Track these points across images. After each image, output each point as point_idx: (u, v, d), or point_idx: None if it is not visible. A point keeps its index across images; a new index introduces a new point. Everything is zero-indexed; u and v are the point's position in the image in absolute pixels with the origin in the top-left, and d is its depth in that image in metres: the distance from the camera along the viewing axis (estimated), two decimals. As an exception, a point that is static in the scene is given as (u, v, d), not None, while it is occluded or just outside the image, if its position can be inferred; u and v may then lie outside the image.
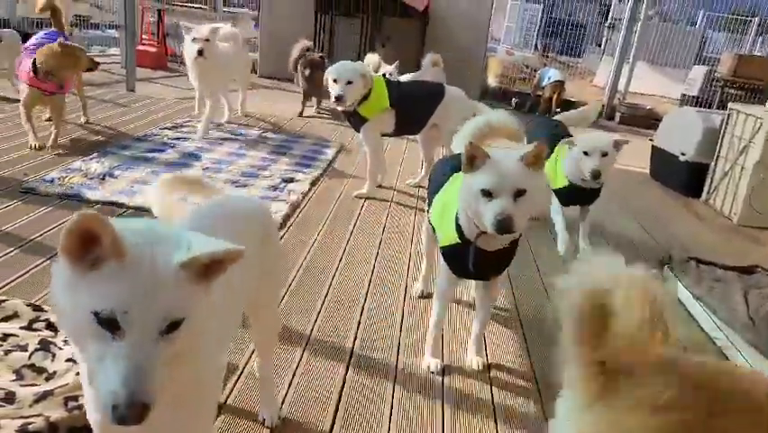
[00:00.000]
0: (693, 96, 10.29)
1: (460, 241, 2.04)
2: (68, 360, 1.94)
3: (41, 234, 2.86)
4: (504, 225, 1.81)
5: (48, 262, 2.61)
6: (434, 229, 2.36)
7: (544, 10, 16.57)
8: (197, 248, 0.97)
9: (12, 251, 2.67)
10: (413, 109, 3.96)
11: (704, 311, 2.95)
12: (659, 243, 3.92)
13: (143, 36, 8.63)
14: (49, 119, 4.71)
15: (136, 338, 0.92)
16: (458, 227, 2.05)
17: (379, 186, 4.23)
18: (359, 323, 2.51)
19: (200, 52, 4.54)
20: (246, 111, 5.93)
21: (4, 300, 2.22)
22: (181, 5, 13.00)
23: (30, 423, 1.64)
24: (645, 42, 11.10)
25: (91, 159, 3.96)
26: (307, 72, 6.12)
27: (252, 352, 2.16)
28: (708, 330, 2.85)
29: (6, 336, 2.03)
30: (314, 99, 6.57)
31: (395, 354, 2.33)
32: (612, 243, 3.77)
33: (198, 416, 1.23)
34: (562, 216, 3.55)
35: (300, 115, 6.35)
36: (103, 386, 0.91)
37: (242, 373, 2.07)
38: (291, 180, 4.09)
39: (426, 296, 2.77)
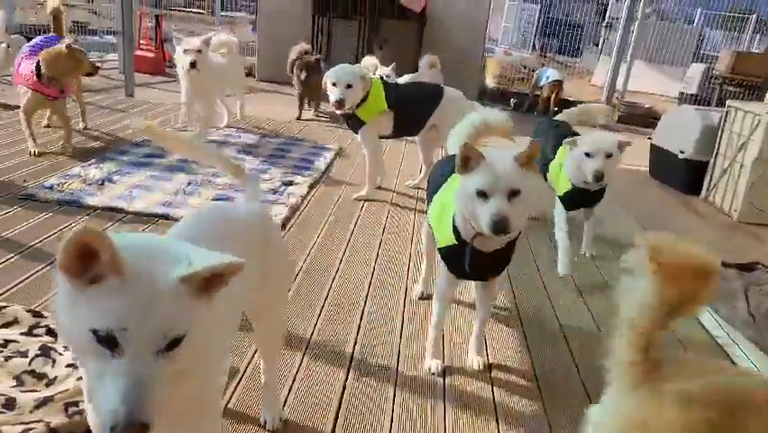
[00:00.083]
0: (692, 94, 10.30)
1: (457, 242, 2.05)
2: (69, 365, 1.94)
3: (41, 241, 2.86)
4: (500, 225, 1.81)
5: (47, 268, 2.61)
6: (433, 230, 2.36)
7: (541, 10, 16.60)
8: (197, 262, 0.96)
9: (12, 257, 2.67)
10: (411, 111, 3.96)
11: (705, 310, 2.95)
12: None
13: (141, 41, 8.63)
14: (47, 126, 4.73)
15: (135, 356, 0.90)
16: (455, 228, 2.05)
17: (379, 188, 4.23)
18: (359, 325, 2.51)
19: (193, 65, 4.45)
20: (245, 114, 5.93)
21: (4, 307, 2.22)
22: (179, 10, 13.04)
23: (30, 429, 1.64)
24: (643, 41, 11.12)
25: (90, 164, 3.96)
26: (303, 75, 6.12)
27: (254, 354, 2.16)
28: (708, 328, 2.85)
29: (7, 343, 2.03)
30: (311, 102, 6.57)
31: (396, 356, 2.33)
32: (612, 241, 3.77)
33: None
34: (565, 234, 3.31)
35: (298, 118, 6.36)
36: (102, 405, 0.90)
37: (243, 376, 2.07)
38: (290, 183, 4.09)
39: (427, 297, 2.77)
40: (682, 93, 10.62)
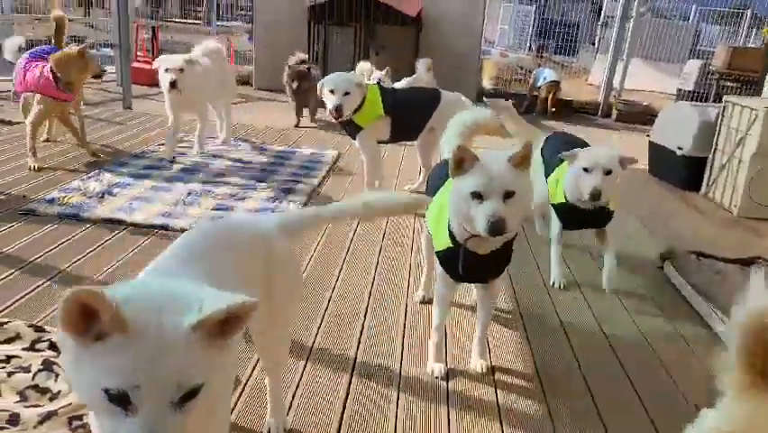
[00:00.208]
0: (689, 91, 10.31)
1: (453, 245, 2.05)
2: (72, 379, 1.94)
3: (42, 255, 2.86)
4: (497, 226, 1.81)
5: (49, 283, 2.62)
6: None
7: (536, 11, 16.63)
8: (209, 307, 0.91)
9: (13, 272, 2.68)
10: (408, 116, 3.97)
11: (706, 305, 2.94)
12: (659, 238, 3.91)
13: (138, 53, 8.67)
14: (47, 140, 4.74)
15: (150, 413, 0.86)
16: (450, 231, 2.05)
17: (378, 193, 4.24)
18: (361, 330, 2.51)
19: (173, 84, 4.21)
20: (230, 139, 5.26)
21: (5, 322, 2.23)
22: (175, 22, 13.08)
23: (34, 444, 1.64)
24: (639, 39, 11.13)
25: (89, 177, 3.97)
26: (295, 85, 6.13)
27: (256, 363, 2.16)
28: (711, 323, 2.84)
29: (9, 358, 2.03)
30: (308, 110, 6.57)
31: (398, 360, 2.33)
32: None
33: None
34: (558, 246, 3.18)
35: (296, 125, 6.38)
36: None
37: (245, 384, 2.07)
38: (290, 191, 4.09)
39: (428, 301, 2.77)
40: (680, 89, 10.63)
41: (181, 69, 4.23)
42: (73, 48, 4.14)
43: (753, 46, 12.69)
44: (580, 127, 8.23)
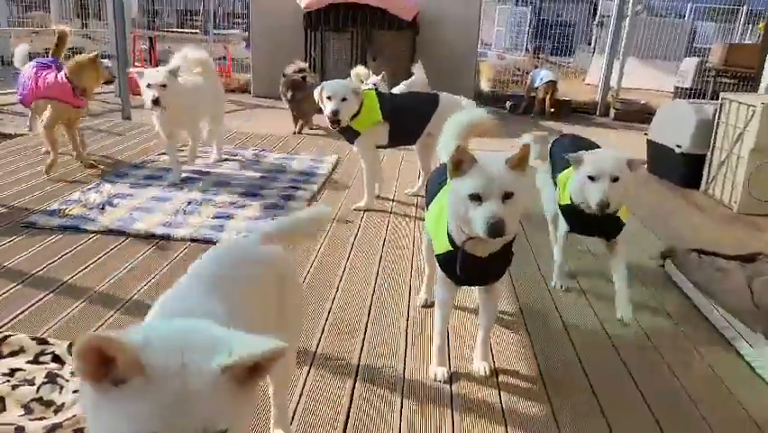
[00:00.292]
0: (686, 88, 10.32)
1: (452, 248, 2.05)
2: (75, 391, 1.95)
3: (44, 268, 2.87)
4: (496, 228, 1.81)
5: (51, 295, 2.63)
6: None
7: (532, 12, 16.66)
8: (240, 350, 0.86)
9: (15, 286, 2.68)
10: (406, 121, 3.98)
11: (708, 302, 2.95)
12: (660, 236, 3.92)
13: (136, 63, 8.70)
14: (47, 152, 4.75)
15: None
16: (449, 234, 2.06)
17: (378, 197, 4.24)
18: (364, 335, 2.51)
19: (156, 102, 3.89)
20: (222, 155, 5.02)
21: (9, 336, 2.23)
22: (172, 31, 13.12)
23: (40, 457, 1.65)
24: (635, 38, 11.15)
25: (90, 189, 3.98)
26: (289, 94, 6.14)
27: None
28: (713, 321, 2.84)
29: (13, 371, 2.04)
30: (303, 120, 6.54)
31: (401, 365, 2.33)
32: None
33: None
34: (560, 248, 3.09)
35: (297, 132, 6.39)
36: None
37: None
38: (290, 198, 4.10)
39: (430, 305, 2.77)
40: (677, 87, 10.65)
41: (164, 85, 3.90)
42: (86, 55, 4.26)
43: (749, 42, 12.72)
44: (579, 127, 8.24)
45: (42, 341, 2.22)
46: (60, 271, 2.85)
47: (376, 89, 4.30)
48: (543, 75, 8.80)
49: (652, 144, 5.80)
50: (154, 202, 3.85)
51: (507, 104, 9.06)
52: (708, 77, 10.24)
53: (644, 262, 3.45)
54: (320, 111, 3.90)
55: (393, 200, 4.32)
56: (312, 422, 1.97)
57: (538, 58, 14.12)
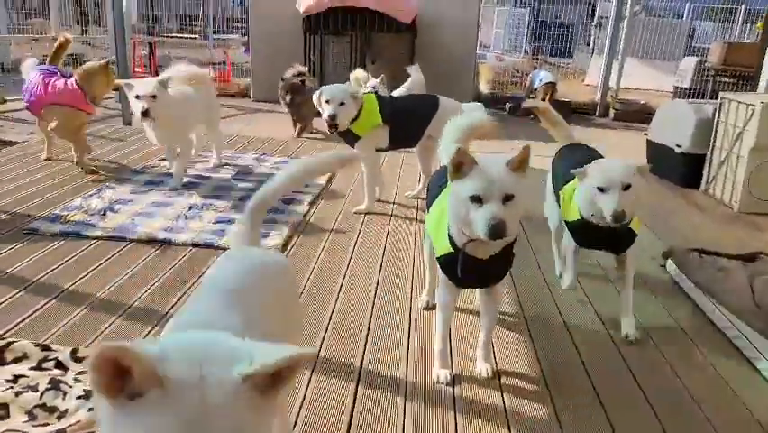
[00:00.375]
0: (685, 88, 10.33)
1: (453, 250, 2.06)
2: (79, 397, 1.95)
3: (46, 274, 2.88)
4: (496, 229, 1.81)
5: (54, 301, 2.63)
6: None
7: (531, 14, 16.68)
8: (261, 358, 0.83)
9: (17, 292, 2.69)
10: (406, 123, 3.99)
11: (710, 302, 2.95)
12: (660, 236, 3.92)
13: (136, 69, 8.73)
14: (48, 159, 4.77)
15: None
16: (450, 236, 2.06)
17: (378, 200, 4.25)
18: (366, 338, 2.52)
19: (145, 113, 3.79)
20: (222, 159, 5.01)
21: (12, 342, 2.24)
22: (172, 37, 13.16)
23: (44, 463, 1.65)
24: (633, 38, 11.17)
25: (91, 195, 3.99)
26: (288, 98, 6.14)
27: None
28: (715, 321, 2.85)
29: (17, 378, 2.04)
30: (301, 124, 6.53)
31: (404, 368, 2.33)
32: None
33: None
34: (573, 252, 2.89)
35: (297, 136, 6.40)
36: None
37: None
38: (291, 202, 4.11)
39: (432, 307, 2.77)
40: (676, 87, 10.66)
41: (154, 96, 3.80)
42: (97, 62, 4.37)
43: (747, 41, 12.73)
44: (579, 127, 8.25)
45: (45, 347, 2.23)
46: (62, 277, 2.86)
47: (375, 92, 4.31)
48: (542, 76, 8.82)
49: (651, 144, 5.81)
50: (155, 207, 3.85)
51: (507, 105, 9.08)
52: (707, 76, 10.26)
53: (644, 262, 3.45)
54: (319, 115, 3.91)
55: (393, 203, 4.32)
56: (315, 424, 1.97)
57: (537, 59, 14.14)
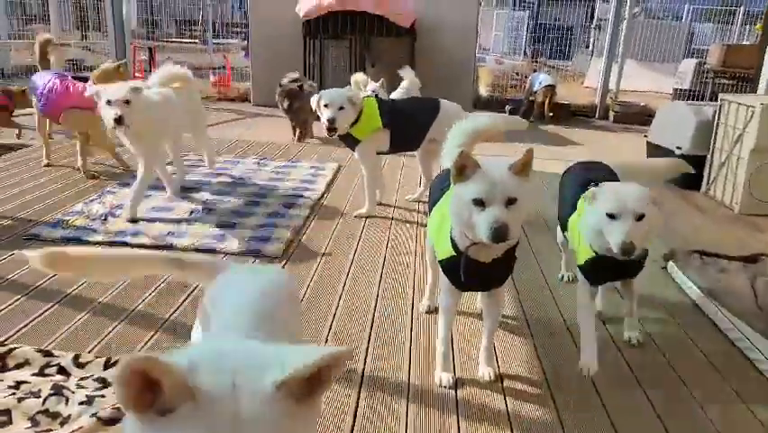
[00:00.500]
0: (685, 90, 10.34)
1: (455, 253, 2.06)
2: (82, 403, 1.95)
3: (47, 280, 2.87)
4: (499, 233, 1.81)
5: (56, 306, 2.63)
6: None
7: (530, 16, 16.71)
8: (295, 362, 0.78)
9: (19, 298, 2.69)
10: (406, 127, 3.99)
11: (712, 304, 2.94)
12: (662, 238, 3.91)
13: (136, 74, 8.73)
14: (48, 165, 4.77)
15: None
16: (452, 240, 2.06)
17: (379, 203, 4.25)
18: (368, 342, 2.52)
19: (119, 120, 3.48)
20: (214, 162, 4.93)
21: (14, 348, 2.24)
22: (171, 41, 13.19)
23: (47, 469, 1.65)
24: (633, 40, 11.18)
25: (92, 200, 3.99)
26: (286, 104, 6.12)
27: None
28: (717, 322, 2.84)
29: (19, 384, 2.04)
30: (301, 129, 6.51)
31: (406, 372, 2.33)
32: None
33: None
34: (589, 316, 2.41)
35: (298, 140, 6.41)
36: None
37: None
38: (292, 206, 4.11)
39: (434, 311, 2.77)
40: (676, 89, 10.67)
41: (127, 101, 3.51)
42: (111, 63, 4.42)
43: (747, 43, 12.75)
44: (579, 130, 8.26)
45: (47, 353, 2.23)
46: (64, 282, 2.86)
47: (376, 96, 4.31)
48: (541, 79, 8.82)
49: (651, 146, 5.81)
50: (156, 212, 3.86)
51: (507, 108, 9.08)
52: (706, 78, 10.26)
53: (646, 264, 3.44)
54: (319, 119, 3.92)
55: (394, 206, 4.33)
56: (318, 429, 1.97)
57: (536, 62, 14.16)
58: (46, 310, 2.60)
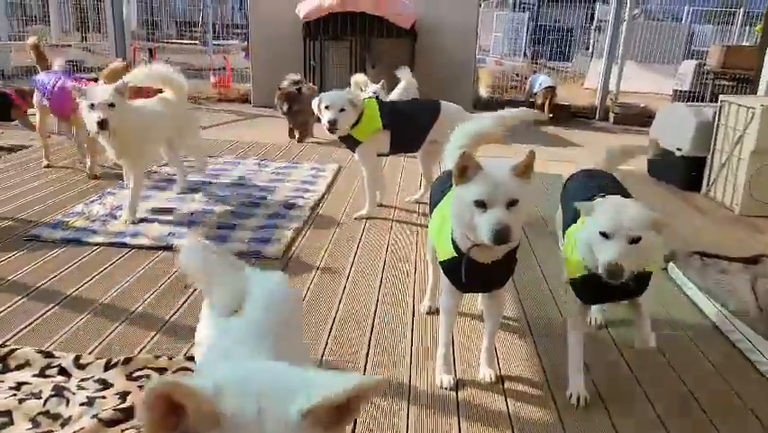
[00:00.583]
0: (685, 91, 10.34)
1: (456, 255, 2.06)
2: (83, 404, 1.95)
3: (48, 281, 2.88)
4: (501, 235, 1.81)
5: (56, 308, 2.63)
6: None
7: (530, 18, 16.72)
8: (321, 390, 0.76)
9: (20, 299, 2.69)
10: (407, 128, 3.99)
11: (713, 305, 2.95)
12: (662, 239, 3.91)
13: (136, 75, 8.72)
14: (48, 166, 4.77)
15: None
16: (453, 241, 2.06)
17: (380, 205, 4.25)
18: (369, 343, 2.51)
19: (102, 124, 3.29)
20: (206, 167, 4.64)
21: (15, 349, 2.24)
22: (171, 42, 13.20)
23: (48, 470, 1.65)
24: (632, 42, 11.18)
25: (92, 201, 3.99)
26: (285, 107, 6.11)
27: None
28: (718, 324, 2.84)
29: (20, 385, 2.04)
30: (300, 132, 6.51)
31: (407, 374, 2.33)
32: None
33: None
34: (578, 338, 2.24)
35: (298, 141, 6.41)
36: None
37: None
38: (293, 207, 4.11)
39: (435, 312, 2.77)
40: (676, 90, 10.67)
41: (111, 104, 3.33)
42: (119, 63, 4.57)
43: (746, 44, 12.76)
44: (579, 131, 8.26)
45: (48, 354, 2.23)
46: (65, 283, 2.86)
47: (377, 97, 4.31)
48: (541, 80, 8.83)
49: (652, 147, 5.80)
50: (156, 213, 3.86)
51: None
52: (706, 79, 10.26)
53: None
54: (319, 119, 3.92)
55: (395, 208, 4.33)
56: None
57: (536, 63, 14.17)
58: (47, 311, 2.60)
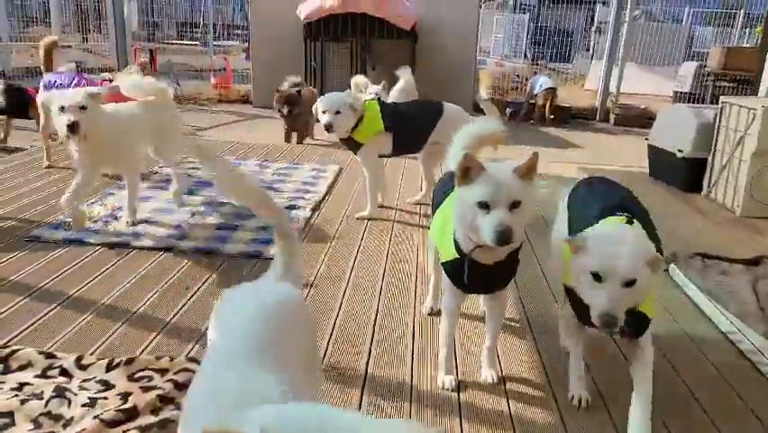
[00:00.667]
0: (685, 93, 10.36)
1: (459, 256, 2.06)
2: (84, 405, 1.95)
3: (50, 282, 2.88)
4: (504, 236, 1.81)
5: (57, 308, 2.63)
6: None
7: (530, 19, 16.74)
8: None
9: (21, 300, 2.69)
10: (408, 130, 3.98)
11: (714, 306, 2.95)
12: (663, 240, 3.91)
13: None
14: (49, 167, 4.78)
15: None
16: (455, 242, 2.06)
17: (381, 206, 4.25)
18: (370, 344, 2.51)
19: (72, 128, 3.10)
20: (182, 196, 4.11)
21: (17, 350, 2.24)
22: (172, 43, 13.21)
23: (50, 471, 1.64)
24: (633, 43, 11.20)
25: (94, 202, 3.99)
26: (285, 109, 6.11)
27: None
28: (719, 324, 2.84)
29: (22, 386, 2.04)
30: (300, 133, 6.52)
31: (409, 375, 2.33)
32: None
33: None
34: (579, 350, 2.20)
35: (298, 142, 6.42)
36: None
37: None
38: (294, 207, 4.11)
39: (437, 313, 2.77)
40: (676, 92, 10.68)
41: (83, 107, 3.16)
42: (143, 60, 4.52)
43: (747, 46, 12.76)
44: (579, 132, 8.27)
45: (50, 355, 2.23)
46: (66, 284, 2.86)
47: (378, 99, 4.31)
48: (542, 82, 8.84)
49: (653, 149, 5.81)
50: (157, 214, 3.86)
51: (507, 111, 9.09)
52: (706, 81, 10.28)
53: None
54: (319, 121, 3.92)
55: (396, 209, 4.33)
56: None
57: (537, 64, 14.19)
58: (48, 312, 2.59)
